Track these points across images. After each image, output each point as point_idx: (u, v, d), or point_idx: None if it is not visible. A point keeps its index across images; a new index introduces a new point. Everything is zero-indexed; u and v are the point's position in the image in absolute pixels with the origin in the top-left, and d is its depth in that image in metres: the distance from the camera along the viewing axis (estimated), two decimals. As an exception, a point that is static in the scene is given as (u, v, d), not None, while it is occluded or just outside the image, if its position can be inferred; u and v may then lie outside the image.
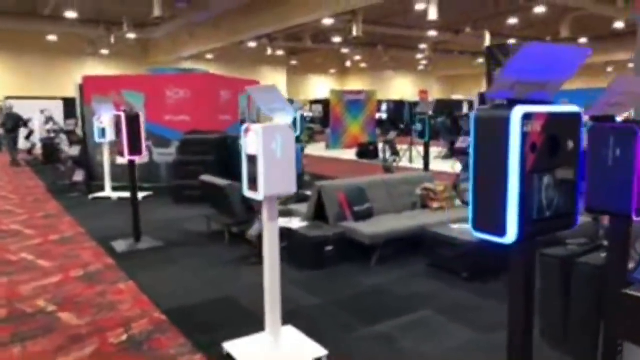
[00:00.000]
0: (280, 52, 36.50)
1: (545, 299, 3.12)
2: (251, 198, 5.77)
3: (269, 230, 3.13)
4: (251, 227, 5.25)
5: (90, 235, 6.36)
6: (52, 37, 28.71)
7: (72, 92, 27.87)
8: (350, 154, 16.43)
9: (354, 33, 25.56)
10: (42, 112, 17.71)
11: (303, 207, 5.90)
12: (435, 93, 47.42)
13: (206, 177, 6.36)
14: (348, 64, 45.09)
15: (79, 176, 9.35)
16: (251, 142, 2.95)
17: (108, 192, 9.06)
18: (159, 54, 32.20)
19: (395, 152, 9.18)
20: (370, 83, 41.75)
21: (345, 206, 5.28)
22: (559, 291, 3.06)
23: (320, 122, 26.06)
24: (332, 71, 46.06)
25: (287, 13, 21.79)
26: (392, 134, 9.25)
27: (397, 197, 5.82)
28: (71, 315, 3.89)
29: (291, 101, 27.53)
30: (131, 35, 26.55)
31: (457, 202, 5.93)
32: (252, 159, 2.96)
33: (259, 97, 3.09)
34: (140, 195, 8.80)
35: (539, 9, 23.73)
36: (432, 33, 29.66)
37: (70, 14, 23.69)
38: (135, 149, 5.58)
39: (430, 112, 8.96)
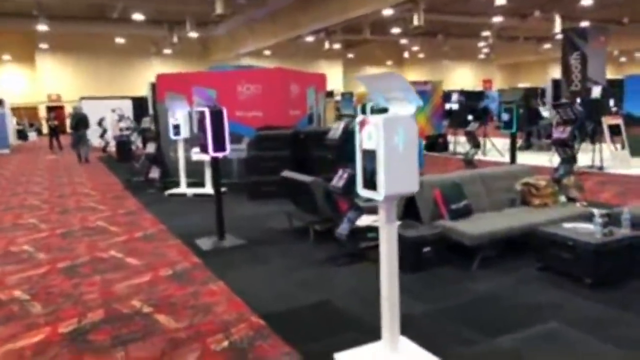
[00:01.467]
0: (336, 46, 36.22)
1: None
2: (336, 194, 5.55)
3: (387, 234, 2.84)
4: (339, 225, 5.00)
5: (172, 232, 6.34)
6: (120, 39, 29.87)
7: (140, 91, 29.00)
8: (417, 147, 15.86)
9: (415, 22, 24.85)
10: (113, 111, 18.32)
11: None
12: (497, 82, 45.57)
13: (288, 173, 6.16)
14: (406, 54, 44.17)
15: (154, 173, 9.47)
16: (369, 135, 2.66)
17: (183, 188, 9.11)
18: (219, 51, 32.79)
19: (476, 144, 8.64)
20: (428, 73, 40.67)
21: (440, 203, 4.91)
22: None
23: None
24: (389, 63, 45.28)
25: (346, 4, 21.44)
26: (474, 125, 8.72)
27: (495, 193, 5.37)
28: (168, 318, 3.78)
29: (351, 94, 27.12)
30: (193, 34, 27.16)
31: (562, 198, 5.41)
32: (370, 155, 2.67)
33: (373, 85, 2.78)
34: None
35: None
36: (497, 19, 28.39)
37: (137, 16, 24.51)
38: (219, 145, 5.45)
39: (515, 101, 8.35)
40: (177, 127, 8.92)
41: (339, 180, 4.82)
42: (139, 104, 20.11)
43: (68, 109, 24.15)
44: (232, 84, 9.78)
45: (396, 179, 2.62)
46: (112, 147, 16.66)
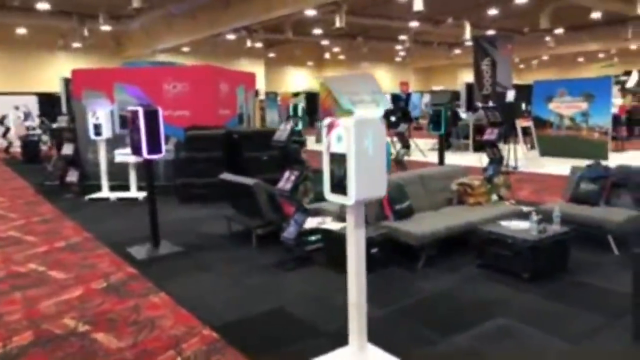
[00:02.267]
0: (258, 45, 35.84)
1: None
2: (281, 197, 5.42)
3: (356, 239, 2.79)
4: (284, 229, 4.89)
5: (100, 241, 5.88)
6: (21, 30, 27.39)
7: (45, 86, 26.79)
8: (343, 148, 16.10)
9: (337, 24, 25.20)
10: (16, 108, 16.79)
11: (333, 206, 5.53)
12: (412, 85, 47.53)
13: (226, 175, 5.94)
14: (327, 55, 44.74)
15: (72, 176, 8.75)
16: (337, 138, 2.59)
17: (105, 192, 8.51)
18: (133, 47, 31.14)
19: (406, 145, 8.89)
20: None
21: (385, 205, 4.96)
22: None
23: (303, 114, 25.58)
24: (310, 63, 45.61)
25: (269, 3, 21.26)
26: (403, 126, 8.96)
27: (433, 193, 5.53)
28: (109, 337, 3.46)
29: (275, 94, 26.98)
30: (106, 28, 25.56)
31: (493, 197, 5.68)
32: (339, 159, 2.60)
33: (340, 86, 2.72)
34: (140, 195, 8.36)
35: (520, 0, 23.83)
36: (414, 24, 29.58)
37: (42, 5, 22.59)
38: (154, 147, 5.12)
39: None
40: (97, 127, 8.30)
41: (286, 182, 4.71)
42: (48, 101, 18.56)
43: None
44: (158, 81, 9.30)
45: (366, 183, 2.58)
46: (16, 148, 15.23)
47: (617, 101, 16.81)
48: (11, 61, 29.52)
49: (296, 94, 27.54)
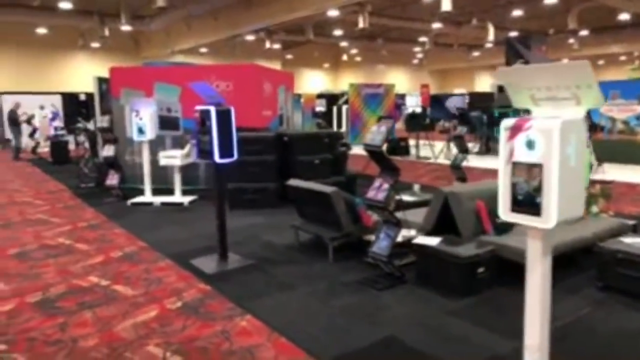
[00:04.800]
0: (276, 46, 35.46)
1: None
2: (357, 207, 4.95)
3: (542, 271, 2.29)
4: (374, 243, 4.41)
5: (158, 251, 5.42)
6: (42, 30, 27.18)
7: (65, 86, 26.57)
8: (376, 151, 15.60)
9: (360, 24, 24.78)
10: (42, 108, 16.48)
11: (413, 216, 5.04)
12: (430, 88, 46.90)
13: (295, 182, 5.47)
14: (344, 57, 44.29)
15: (113, 179, 8.33)
16: (528, 144, 2.10)
17: (148, 196, 8.07)
18: (152, 47, 30.93)
19: (464, 150, 8.36)
20: (364, 76, 40.99)
21: (485, 217, 4.46)
22: None
23: (324, 117, 25.12)
24: (326, 65, 45.20)
25: (292, 4, 20.89)
26: (462, 129, 8.45)
27: (528, 203, 5.02)
28: (208, 370, 3.00)
29: (299, 96, 26.62)
30: (127, 28, 25.27)
31: (594, 208, 5.16)
32: (528, 170, 2.11)
33: (521, 80, 2.23)
34: (186, 199, 7.93)
35: (549, 0, 23.26)
36: (436, 25, 29.05)
37: (64, 4, 22.34)
38: (226, 150, 4.66)
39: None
40: (141, 128, 7.87)
41: (377, 192, 4.23)
42: (75, 100, 18.22)
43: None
44: (199, 80, 8.87)
45: (567, 201, 2.09)
46: (44, 148, 14.90)
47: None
48: (32, 61, 29.33)
49: (320, 96, 27.01)
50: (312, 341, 3.33)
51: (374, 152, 4.21)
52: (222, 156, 4.64)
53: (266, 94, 9.46)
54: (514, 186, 2.17)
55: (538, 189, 2.07)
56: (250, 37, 30.84)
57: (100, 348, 3.29)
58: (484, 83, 46.11)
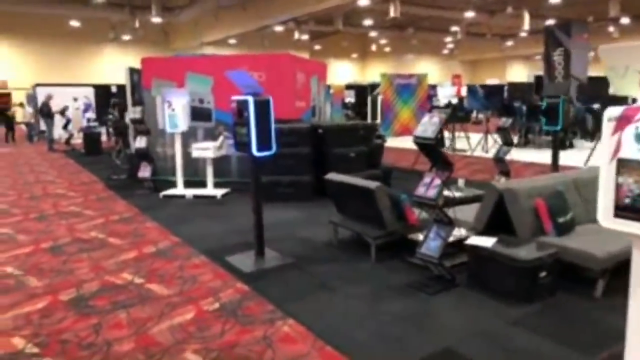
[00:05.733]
0: (304, 37, 35.14)
1: None
2: (402, 204, 4.64)
3: None
4: (423, 243, 4.10)
5: (191, 246, 5.23)
6: (75, 23, 27.50)
7: (96, 78, 26.90)
8: (409, 143, 15.17)
9: (392, 13, 24.25)
10: (75, 99, 16.60)
11: (460, 213, 4.68)
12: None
13: (336, 176, 5.18)
14: (373, 47, 43.64)
15: (145, 171, 8.21)
16: (638, 138, 1.76)
17: (180, 189, 7.92)
18: (181, 39, 31.07)
19: (509, 142, 7.92)
20: (393, 67, 40.32)
21: (544, 216, 4.10)
22: None
23: (352, 108, 24.72)
24: (354, 55, 44.65)
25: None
26: (507, 121, 8.00)
27: (589, 202, 4.59)
28: (251, 382, 2.76)
29: (328, 87, 26.31)
30: (157, 19, 25.32)
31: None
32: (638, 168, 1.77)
33: (632, 60, 1.88)
34: (218, 192, 7.75)
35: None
36: (469, 14, 28.20)
37: (97, -3, 22.52)
38: (265, 143, 4.41)
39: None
40: (173, 119, 7.71)
41: (427, 188, 3.91)
42: (106, 92, 18.33)
43: (18, 97, 21.86)
44: (232, 70, 8.64)
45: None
46: (77, 140, 15.00)
47: None
48: (64, 53, 29.83)
49: (349, 87, 26.59)
50: (361, 350, 3.06)
51: (425, 145, 3.88)
52: (260, 149, 4.39)
53: (299, 85, 9.17)
54: (619, 187, 1.84)
55: (652, 192, 1.73)
56: (278, 28, 30.60)
57: (136, 354, 3.09)
58: (517, 73, 44.80)
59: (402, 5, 23.74)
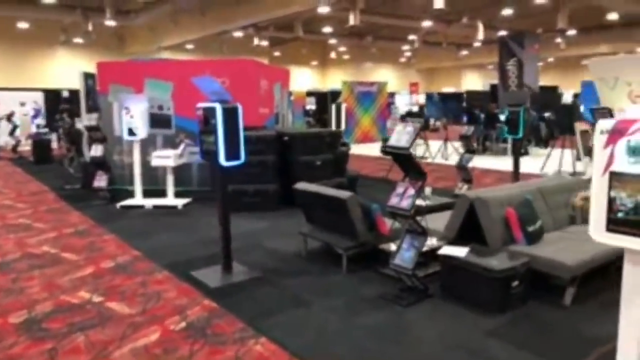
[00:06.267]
0: (264, 43, 34.91)
1: None
2: (374, 214, 4.57)
3: None
4: (396, 254, 4.03)
5: (153, 261, 4.97)
6: (23, 24, 26.24)
7: (46, 83, 25.71)
8: (371, 150, 15.26)
9: (351, 21, 24.42)
10: (22, 104, 15.79)
11: (429, 222, 4.65)
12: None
13: (305, 186, 5.06)
14: (333, 55, 43.92)
15: (101, 181, 7.82)
16: (631, 151, 1.74)
17: (139, 199, 7.59)
18: (137, 43, 30.20)
19: (471, 150, 8.06)
20: (352, 74, 40.66)
21: (515, 225, 4.12)
22: None
23: (313, 115, 24.73)
24: (314, 63, 44.78)
25: (282, 0, 20.51)
26: (469, 129, 8.14)
27: (555, 209, 4.69)
28: (225, 409, 2.59)
29: (290, 93, 26.19)
30: (111, 23, 24.51)
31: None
32: (634, 181, 1.74)
33: (616, 72, 1.86)
34: (180, 202, 7.49)
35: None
36: (426, 23, 28.83)
37: (47, -2, 21.56)
38: (234, 152, 4.24)
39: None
40: (132, 126, 7.39)
41: (401, 199, 3.85)
42: (57, 97, 17.50)
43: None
44: (194, 75, 8.40)
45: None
46: (24, 147, 14.23)
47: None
48: (12, 56, 28.35)
49: (310, 94, 26.58)
50: (340, 370, 2.95)
51: (398, 155, 3.83)
52: (228, 158, 4.22)
53: (263, 91, 9.02)
54: (612, 201, 1.80)
55: (646, 205, 1.70)
56: (238, 34, 30.27)
57: (97, 381, 2.85)
58: (472, 81, 46.15)
59: (361, 14, 23.97)
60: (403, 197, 3.86)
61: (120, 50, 30.90)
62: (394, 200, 3.91)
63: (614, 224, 1.83)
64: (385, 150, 3.94)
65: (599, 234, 1.89)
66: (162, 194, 7.63)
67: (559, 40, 31.24)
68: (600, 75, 1.71)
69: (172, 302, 3.98)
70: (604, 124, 1.82)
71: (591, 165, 7.21)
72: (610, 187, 1.82)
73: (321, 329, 3.51)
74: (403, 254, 3.96)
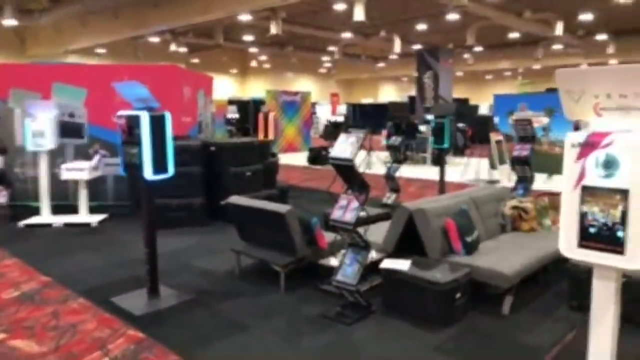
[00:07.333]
0: (182, 49, 33.80)
1: None
2: (313, 228, 4.39)
3: (612, 315, 1.88)
4: (339, 270, 3.87)
5: (66, 287, 4.42)
6: None
7: None
8: (297, 159, 15.14)
9: (273, 30, 24.31)
10: None
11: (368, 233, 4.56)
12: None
13: (239, 200, 4.76)
14: (253, 63, 43.51)
15: (1, 196, 6.96)
16: (604, 165, 1.69)
17: (46, 216, 6.84)
18: (41, 46, 27.93)
19: (398, 160, 8.17)
20: (272, 84, 40.58)
21: (454, 236, 4.11)
22: None
23: (236, 124, 24.26)
24: (234, 71, 44.13)
25: (204, 5, 19.93)
26: (397, 139, 8.22)
27: (487, 218, 4.78)
28: None
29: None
30: (11, 22, 22.48)
31: (546, 221, 5.05)
32: (606, 196, 1.69)
33: (607, 81, 1.82)
34: (94, 218, 6.86)
35: (452, 16, 24.64)
36: (346, 35, 29.44)
37: None
38: (161, 164, 3.87)
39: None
40: (38, 135, 6.66)
41: (344, 212, 3.70)
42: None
43: None
44: (109, 80, 7.76)
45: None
46: None
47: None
48: None
49: (232, 102, 26.03)
50: (289, 402, 2.71)
51: (341, 166, 3.68)
52: (155, 172, 3.84)
53: (186, 99, 8.56)
54: (583, 216, 1.75)
55: (621, 221, 1.66)
56: (154, 39, 29.02)
57: None
58: (388, 93, 47.79)
59: (283, 23, 23.92)
60: (346, 209, 3.71)
61: (21, 52, 28.42)
62: (337, 214, 3.75)
63: (587, 240, 1.78)
64: (327, 160, 3.77)
65: (570, 250, 1.84)
66: (74, 210, 6.94)
67: (467, 55, 33.22)
68: (567, 87, 1.69)
69: (91, 334, 3.51)
70: (575, 137, 1.77)
71: (505, 173, 7.51)
72: (581, 202, 1.76)
73: (265, 355, 3.24)
74: (346, 269, 3.81)
